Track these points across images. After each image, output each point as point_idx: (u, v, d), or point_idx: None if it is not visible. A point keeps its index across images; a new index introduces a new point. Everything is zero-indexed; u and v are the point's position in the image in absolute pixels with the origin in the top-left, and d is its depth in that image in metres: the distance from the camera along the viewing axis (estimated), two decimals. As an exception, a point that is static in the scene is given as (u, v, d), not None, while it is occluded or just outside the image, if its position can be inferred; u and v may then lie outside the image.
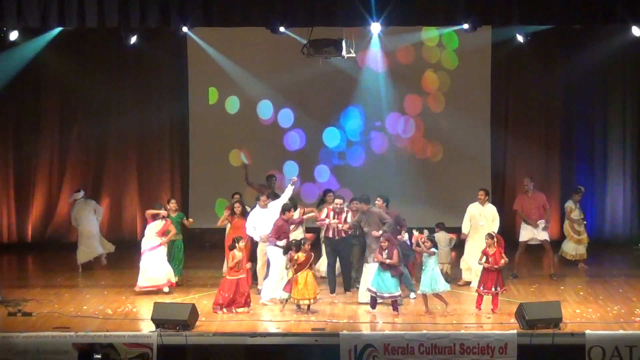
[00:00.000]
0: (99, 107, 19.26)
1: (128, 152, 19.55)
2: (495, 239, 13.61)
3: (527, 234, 15.91)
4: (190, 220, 15.79)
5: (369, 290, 13.58)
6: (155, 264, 14.74)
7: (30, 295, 14.53)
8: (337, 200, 14.86)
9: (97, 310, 13.65)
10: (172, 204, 15.52)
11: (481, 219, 15.16)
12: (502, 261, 13.50)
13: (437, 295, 13.45)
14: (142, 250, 14.87)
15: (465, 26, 14.45)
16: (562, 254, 16.77)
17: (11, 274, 17.30)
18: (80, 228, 17.02)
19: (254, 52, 18.71)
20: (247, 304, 13.56)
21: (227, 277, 13.64)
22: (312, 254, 13.75)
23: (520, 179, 17.21)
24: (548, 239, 15.98)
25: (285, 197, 14.68)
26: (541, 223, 15.84)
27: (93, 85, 18.96)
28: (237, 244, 13.64)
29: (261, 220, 14.59)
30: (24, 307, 13.75)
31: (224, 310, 13.41)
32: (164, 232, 14.91)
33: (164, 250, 14.88)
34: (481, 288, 13.54)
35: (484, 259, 13.55)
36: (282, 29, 14.59)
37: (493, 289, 13.44)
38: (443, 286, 13.42)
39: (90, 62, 18.82)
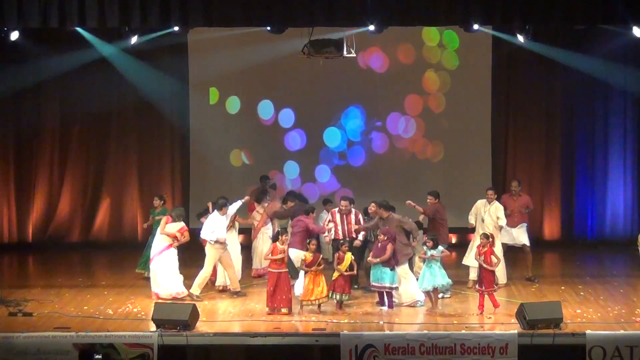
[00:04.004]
0: (99, 107, 19.25)
1: (128, 152, 19.54)
2: (490, 239, 13.63)
3: (506, 236, 15.74)
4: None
5: (373, 286, 13.61)
6: (165, 271, 14.43)
7: (30, 296, 14.52)
8: (343, 202, 14.81)
9: (98, 311, 13.64)
10: (157, 202, 15.73)
11: (485, 216, 15.15)
12: (494, 262, 13.51)
13: (435, 293, 13.50)
14: (151, 256, 14.56)
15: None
16: None
17: (12, 274, 17.30)
18: None
19: (254, 52, 18.70)
20: (288, 304, 13.46)
21: (270, 269, 13.62)
22: (320, 254, 13.77)
23: (521, 180, 17.19)
24: (527, 242, 15.75)
25: (233, 208, 14.83)
26: (521, 226, 15.74)
27: (93, 86, 18.95)
28: (280, 237, 13.66)
29: (221, 225, 14.62)
30: (24, 307, 13.75)
31: (272, 310, 13.38)
32: (173, 235, 14.48)
33: (172, 255, 14.52)
34: (482, 287, 13.54)
35: (482, 258, 13.57)
36: (282, 29, 14.60)
37: (483, 287, 13.44)
38: (443, 280, 13.47)
39: (91, 63, 18.78)
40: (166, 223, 14.57)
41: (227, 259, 14.64)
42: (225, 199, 14.76)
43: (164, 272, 14.36)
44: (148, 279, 14.84)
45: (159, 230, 14.63)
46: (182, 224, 14.57)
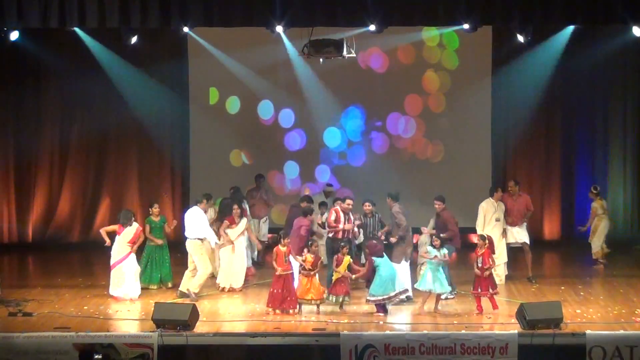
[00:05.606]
0: (99, 107, 19.26)
1: (128, 152, 19.56)
2: (487, 241, 13.62)
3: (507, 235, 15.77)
4: (174, 222, 15.69)
5: (371, 301, 13.55)
6: (127, 276, 14.44)
7: (30, 296, 14.52)
8: (348, 201, 14.60)
9: (98, 311, 13.65)
10: (155, 209, 15.43)
11: (497, 215, 15.16)
12: (490, 263, 13.49)
13: (437, 296, 13.50)
14: (112, 262, 14.51)
15: (466, 26, 14.46)
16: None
17: (12, 274, 17.29)
18: None
19: (254, 52, 18.70)
20: (296, 304, 13.41)
21: (276, 273, 13.54)
22: (320, 257, 13.75)
23: (521, 179, 17.21)
24: (528, 241, 15.69)
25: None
26: (521, 225, 15.67)
27: (93, 86, 18.95)
28: (281, 240, 13.63)
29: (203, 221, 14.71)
30: (24, 307, 13.75)
31: (276, 311, 13.34)
32: (135, 241, 14.54)
33: (134, 260, 14.56)
34: (479, 290, 13.52)
35: (480, 259, 13.53)
36: (282, 29, 14.59)
37: (491, 290, 13.44)
38: (442, 287, 13.46)
39: (91, 62, 18.78)
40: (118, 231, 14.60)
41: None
42: (208, 194, 15.19)
43: (124, 277, 14.37)
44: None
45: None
46: (135, 226, 14.57)
